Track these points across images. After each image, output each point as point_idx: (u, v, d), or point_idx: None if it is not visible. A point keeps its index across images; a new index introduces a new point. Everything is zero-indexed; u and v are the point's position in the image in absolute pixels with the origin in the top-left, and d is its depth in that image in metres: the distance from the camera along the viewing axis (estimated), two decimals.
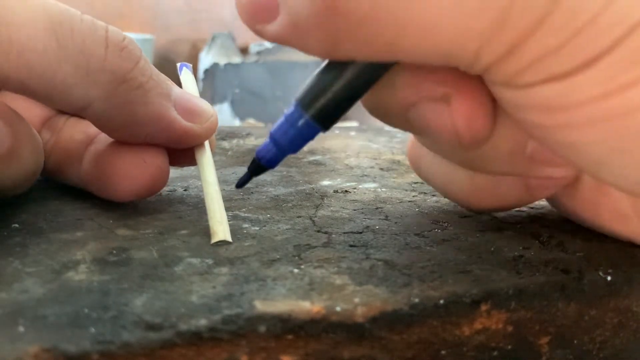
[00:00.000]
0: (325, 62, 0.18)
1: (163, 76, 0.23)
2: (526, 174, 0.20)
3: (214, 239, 0.21)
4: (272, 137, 0.20)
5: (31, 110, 0.25)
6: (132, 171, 0.23)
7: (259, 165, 0.20)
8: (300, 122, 0.18)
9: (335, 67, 0.17)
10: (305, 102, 0.18)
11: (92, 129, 0.24)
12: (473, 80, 0.17)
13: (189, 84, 0.27)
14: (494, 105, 0.18)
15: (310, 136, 0.19)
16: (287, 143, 0.19)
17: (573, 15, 0.13)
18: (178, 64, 0.28)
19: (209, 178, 0.23)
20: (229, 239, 0.21)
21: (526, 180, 0.21)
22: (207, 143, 0.25)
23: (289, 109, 0.19)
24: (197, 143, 0.24)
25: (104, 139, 0.24)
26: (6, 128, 0.20)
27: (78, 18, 0.20)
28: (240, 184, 0.21)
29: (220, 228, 0.21)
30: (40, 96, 0.20)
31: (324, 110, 0.18)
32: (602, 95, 0.14)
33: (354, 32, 0.15)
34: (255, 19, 0.16)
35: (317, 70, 0.18)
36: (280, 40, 0.16)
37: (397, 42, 0.15)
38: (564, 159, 0.19)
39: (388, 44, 0.15)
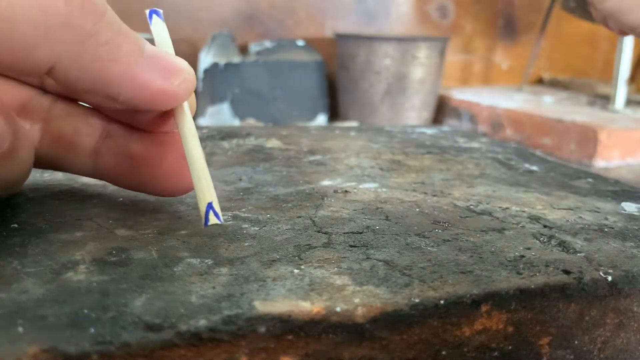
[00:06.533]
0: None
1: (134, 33, 0.22)
2: None
3: (205, 223, 0.20)
4: None
5: (4, 97, 0.23)
6: (179, 169, 0.23)
7: None
8: None
9: None
10: None
11: (96, 120, 0.24)
12: None
13: (162, 36, 0.24)
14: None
15: None
16: None
17: None
18: (147, 11, 0.24)
19: (193, 151, 0.21)
20: (221, 220, 0.20)
21: None
22: (187, 109, 0.22)
23: None
24: (175, 104, 0.22)
25: (122, 132, 0.24)
26: (7, 126, 0.19)
27: None
28: None
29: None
30: (2, 63, 0.20)
31: None
32: None
33: None
34: None
35: None
36: None
37: None
38: None
39: None
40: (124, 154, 0.24)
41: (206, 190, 0.21)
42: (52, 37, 0.19)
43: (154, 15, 0.24)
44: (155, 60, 0.21)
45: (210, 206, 0.20)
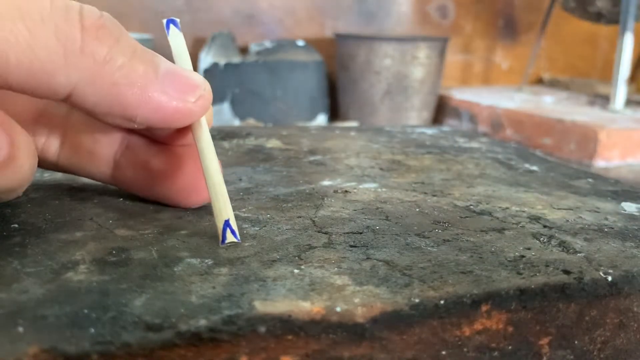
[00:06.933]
0: None
1: (149, 52, 0.22)
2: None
3: (222, 241, 0.21)
4: None
5: (19, 106, 0.24)
6: (196, 182, 0.24)
7: None
8: None
9: None
10: None
11: (116, 131, 0.24)
12: None
13: (179, 46, 0.23)
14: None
15: None
16: None
17: None
18: (164, 20, 0.24)
19: (210, 167, 0.21)
20: (238, 239, 0.21)
21: None
22: (205, 123, 0.22)
23: None
24: (191, 121, 0.22)
25: (141, 144, 0.24)
26: (4, 135, 0.19)
27: (47, 3, 0.20)
28: None
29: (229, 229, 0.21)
30: (22, 87, 0.20)
31: None
32: None
33: None
34: None
35: None
36: None
37: None
38: None
39: None
40: (143, 166, 0.24)
41: (223, 207, 0.21)
42: (69, 64, 0.20)
43: (172, 25, 0.24)
44: (170, 79, 0.22)
45: (227, 224, 0.21)
